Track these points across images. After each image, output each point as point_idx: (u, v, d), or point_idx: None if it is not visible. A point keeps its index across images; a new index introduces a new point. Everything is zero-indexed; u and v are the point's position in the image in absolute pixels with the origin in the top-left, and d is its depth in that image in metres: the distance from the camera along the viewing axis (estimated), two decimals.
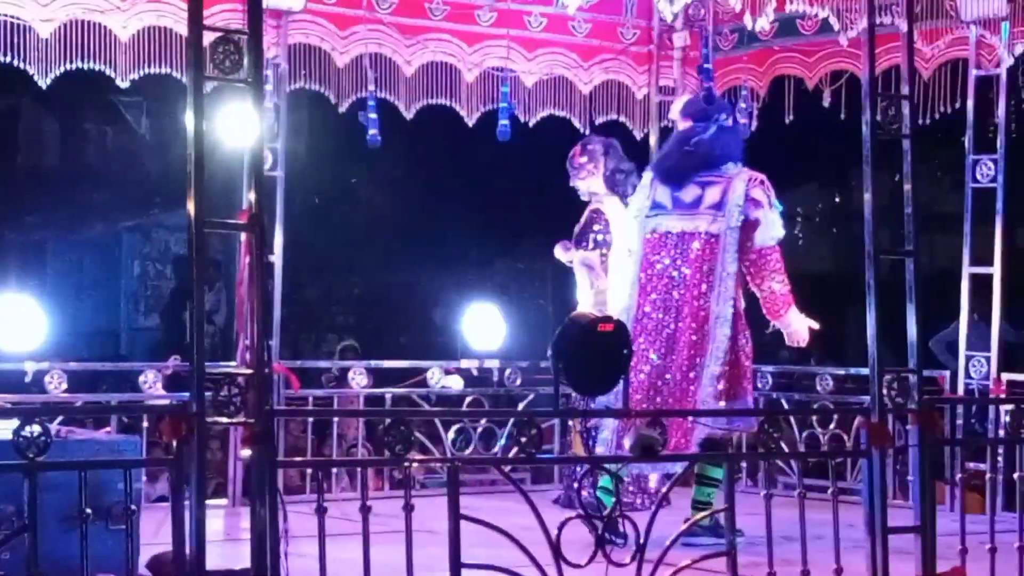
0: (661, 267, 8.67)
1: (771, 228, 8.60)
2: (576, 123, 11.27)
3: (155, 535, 7.00)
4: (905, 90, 6.81)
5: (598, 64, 11.28)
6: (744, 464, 10.50)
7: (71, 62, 9.40)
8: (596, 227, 9.70)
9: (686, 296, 8.57)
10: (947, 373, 10.36)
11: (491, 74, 10.83)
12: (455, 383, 11.13)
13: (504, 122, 10.45)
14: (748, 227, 8.58)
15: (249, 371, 5.52)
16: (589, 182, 9.72)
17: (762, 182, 8.68)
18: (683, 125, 8.98)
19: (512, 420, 9.74)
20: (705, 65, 10.70)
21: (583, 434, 9.36)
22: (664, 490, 6.41)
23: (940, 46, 10.02)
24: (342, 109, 10.40)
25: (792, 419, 10.56)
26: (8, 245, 19.79)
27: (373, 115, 10.17)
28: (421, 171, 17.00)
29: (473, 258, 19.07)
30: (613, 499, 6.75)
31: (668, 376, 8.53)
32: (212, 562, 5.38)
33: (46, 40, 9.27)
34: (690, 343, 8.53)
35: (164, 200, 19.29)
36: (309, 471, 9.61)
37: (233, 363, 9.10)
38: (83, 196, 19.90)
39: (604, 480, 7.88)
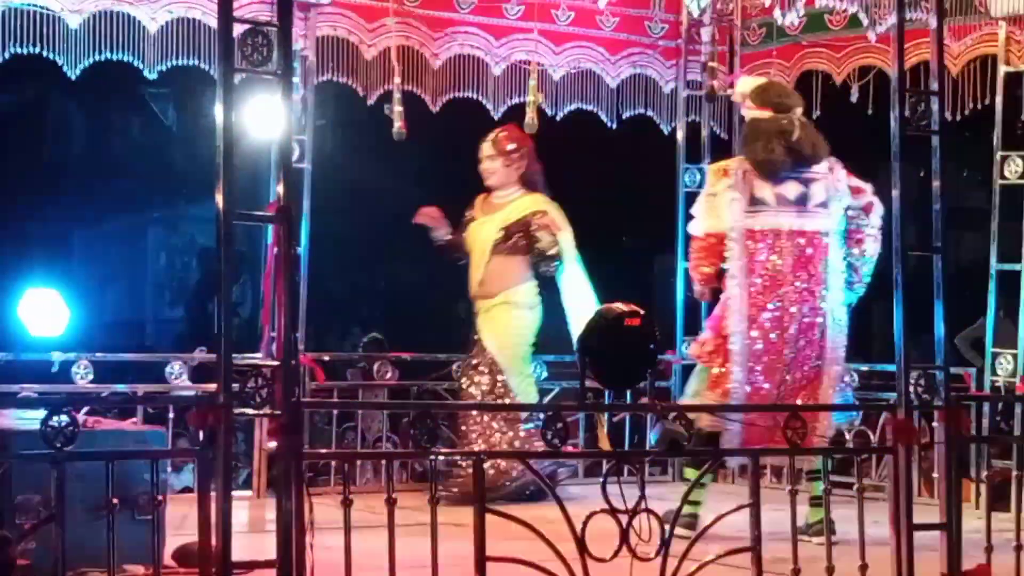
0: (772, 266, 8.55)
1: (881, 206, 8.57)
2: (603, 117, 11.27)
3: (180, 526, 7.03)
4: (935, 86, 6.79)
5: (625, 58, 11.28)
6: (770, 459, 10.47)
7: (100, 53, 9.44)
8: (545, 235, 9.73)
9: (804, 295, 8.50)
10: (973, 370, 10.33)
11: (518, 67, 10.84)
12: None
13: (531, 114, 10.45)
14: (857, 217, 8.59)
15: (276, 363, 5.53)
16: (511, 171, 9.70)
17: (845, 166, 8.64)
18: (757, 112, 8.73)
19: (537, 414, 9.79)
20: (710, 63, 10.71)
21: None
22: (690, 486, 6.39)
23: (968, 42, 10.00)
24: (370, 102, 10.42)
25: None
26: (35, 236, 19.85)
27: (399, 107, 10.18)
28: (447, 164, 16.95)
29: None
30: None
31: (788, 376, 8.49)
32: (238, 553, 5.39)
33: (75, 31, 9.31)
34: (812, 343, 8.49)
35: (190, 192, 19.33)
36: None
37: (259, 355, 9.12)
38: (109, 187, 19.94)
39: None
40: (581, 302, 9.82)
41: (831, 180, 8.60)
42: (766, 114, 8.67)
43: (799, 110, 8.76)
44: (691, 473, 8.28)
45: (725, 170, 8.69)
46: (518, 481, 9.41)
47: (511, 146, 9.81)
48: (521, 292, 9.94)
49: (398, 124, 10.13)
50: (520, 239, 9.95)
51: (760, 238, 8.52)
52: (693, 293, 9.25)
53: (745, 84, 9.00)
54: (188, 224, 21.38)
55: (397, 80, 10.26)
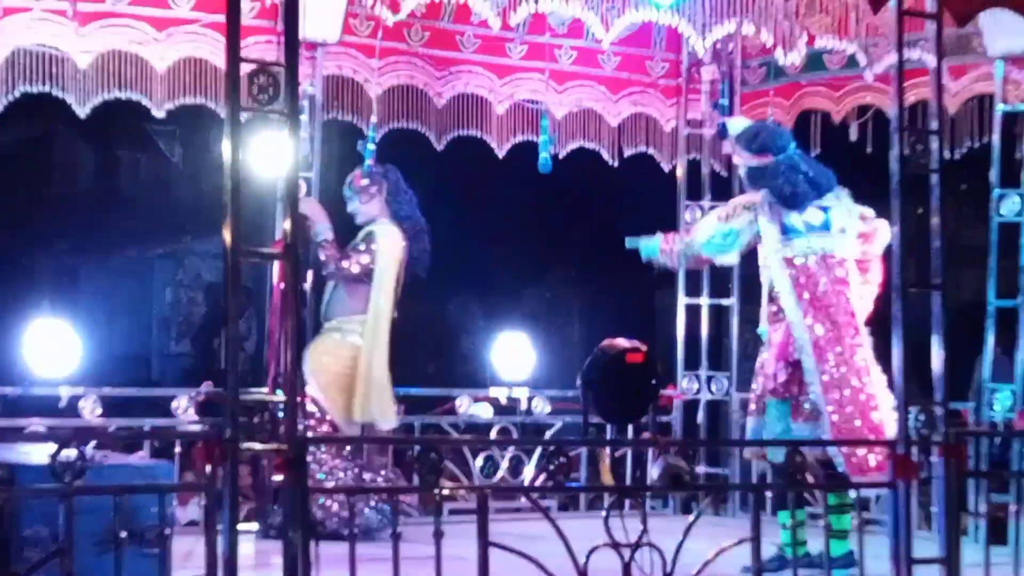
0: (814, 288, 8.60)
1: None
2: (605, 155, 11.36)
3: (186, 559, 7.07)
4: (934, 125, 6.86)
5: (627, 97, 11.38)
6: (769, 494, 10.52)
7: (108, 92, 9.53)
8: (362, 248, 9.58)
9: (845, 316, 8.56)
10: (971, 406, 10.38)
11: (522, 106, 10.92)
12: (484, 411, 11.19)
13: (544, 155, 10.50)
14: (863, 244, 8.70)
15: (282, 398, 5.59)
16: (370, 206, 9.65)
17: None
18: (757, 161, 8.77)
19: (540, 448, 9.83)
20: (721, 100, 10.80)
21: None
22: (691, 520, 6.43)
23: (966, 81, 10.09)
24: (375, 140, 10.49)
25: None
26: (42, 270, 19.92)
27: (371, 146, 10.20)
28: (451, 201, 17.06)
29: (502, 287, 19.13)
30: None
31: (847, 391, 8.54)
32: None
33: (84, 70, 9.39)
34: (858, 365, 8.55)
35: (196, 228, 19.41)
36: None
37: (264, 389, 9.18)
38: (116, 223, 20.02)
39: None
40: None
41: (843, 207, 8.69)
42: (766, 160, 8.72)
43: (792, 145, 8.85)
44: (784, 517, 8.26)
45: (747, 204, 8.77)
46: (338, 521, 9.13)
47: (364, 182, 9.72)
48: (355, 322, 9.73)
49: (369, 161, 10.12)
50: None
51: (798, 264, 8.61)
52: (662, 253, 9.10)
53: (735, 126, 9.08)
54: (194, 260, 21.44)
55: (374, 119, 10.30)
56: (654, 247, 9.00)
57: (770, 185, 8.59)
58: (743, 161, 8.84)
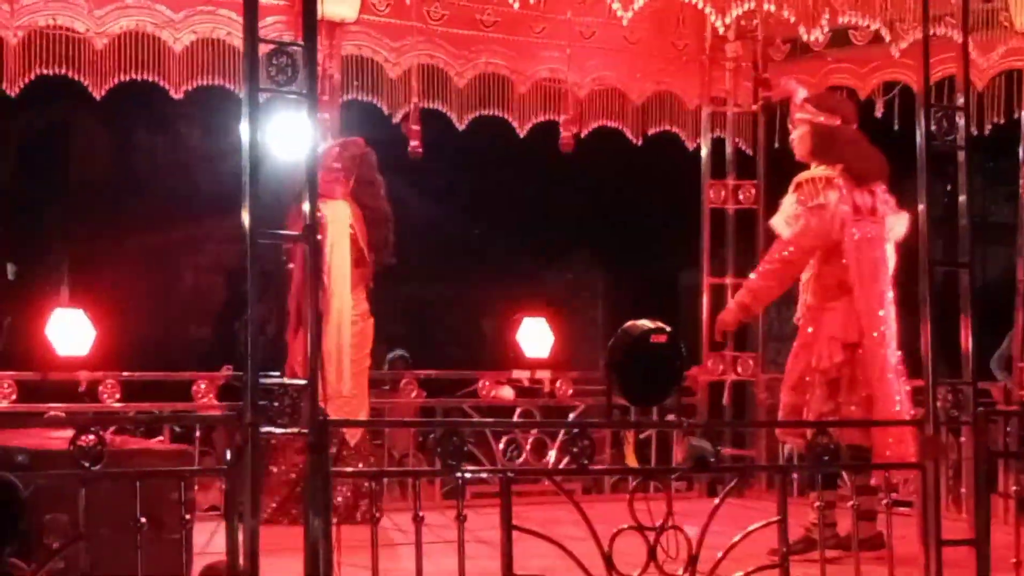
0: (872, 272, 8.55)
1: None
2: (628, 134, 11.27)
3: (207, 544, 7.04)
4: (960, 101, 6.78)
5: (650, 75, 11.28)
6: (795, 475, 10.46)
7: (125, 74, 9.47)
8: None
9: (891, 300, 8.53)
10: (1002, 385, 10.29)
11: (543, 85, 10.84)
12: (506, 394, 11.14)
13: (567, 134, 10.41)
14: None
15: (303, 381, 5.54)
16: (332, 186, 9.46)
17: None
18: (825, 119, 8.67)
19: (563, 431, 9.76)
20: (763, 75, 10.71)
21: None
22: (717, 502, 6.37)
23: (994, 57, 9.97)
24: (395, 120, 10.43)
25: None
26: (61, 256, 19.91)
27: (416, 127, 10.16)
28: (472, 182, 17.03)
29: (523, 269, 19.09)
30: None
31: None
32: (265, 572, 5.40)
33: (100, 52, 9.34)
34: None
35: (216, 211, 19.35)
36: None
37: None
38: (135, 207, 19.99)
39: None
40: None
41: (881, 191, 8.61)
42: (836, 122, 8.66)
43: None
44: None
45: (829, 179, 8.55)
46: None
47: (335, 164, 9.65)
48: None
49: (414, 143, 10.10)
50: None
51: (865, 246, 8.51)
52: (724, 324, 8.97)
53: (803, 90, 8.97)
54: (215, 243, 21.41)
55: (415, 100, 10.26)
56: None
57: (842, 155, 8.49)
58: (809, 117, 8.69)
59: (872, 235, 8.51)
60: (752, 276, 8.82)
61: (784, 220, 8.61)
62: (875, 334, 8.37)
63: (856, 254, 8.47)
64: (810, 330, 8.56)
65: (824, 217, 8.46)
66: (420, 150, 10.13)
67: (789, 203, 8.63)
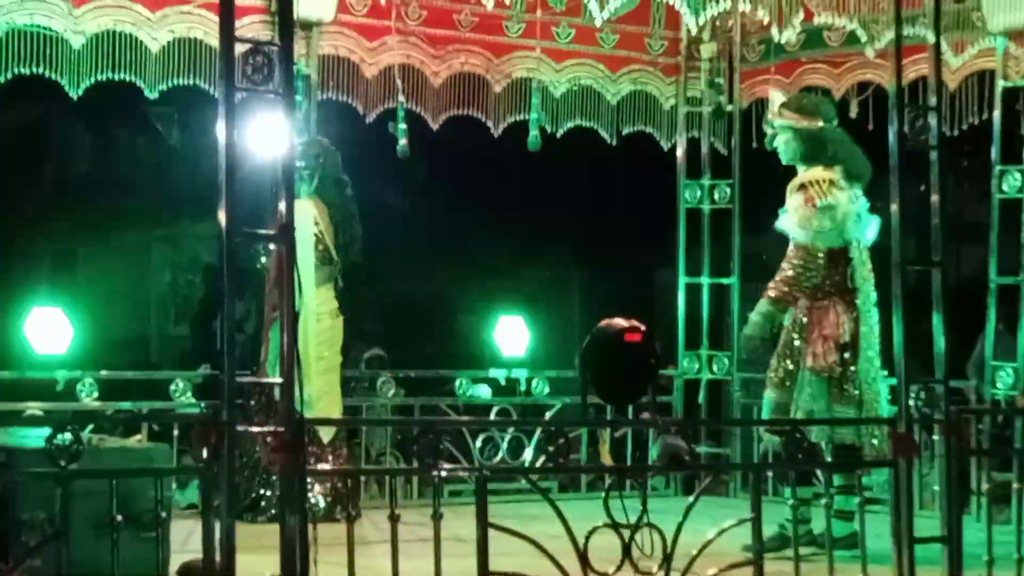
0: (866, 274, 8.60)
1: None
2: (603, 134, 11.30)
3: (185, 542, 7.04)
4: (933, 101, 6.82)
5: (625, 75, 11.32)
6: (770, 473, 10.50)
7: (102, 73, 9.46)
8: None
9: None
10: (973, 383, 10.35)
11: (518, 85, 10.86)
12: (483, 392, 11.17)
13: (534, 132, 10.45)
14: None
15: (279, 380, 5.56)
16: (305, 186, 9.52)
17: None
18: (808, 123, 8.72)
19: (540, 430, 9.80)
20: (716, 79, 10.75)
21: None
22: (692, 499, 6.40)
23: (967, 57, 10.03)
24: (370, 119, 10.46)
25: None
26: (39, 254, 19.90)
27: (403, 125, 10.21)
28: (448, 181, 17.05)
29: (500, 267, 19.10)
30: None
31: None
32: (242, 570, 5.42)
33: (78, 51, 9.34)
34: None
35: (194, 210, 19.37)
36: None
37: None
38: (113, 206, 19.99)
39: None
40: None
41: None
42: (818, 124, 8.70)
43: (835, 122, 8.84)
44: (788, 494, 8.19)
45: (834, 180, 8.57)
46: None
47: (299, 163, 9.66)
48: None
49: (403, 141, 10.15)
50: None
51: (865, 246, 8.60)
52: (752, 341, 8.86)
53: (778, 96, 9.01)
54: (192, 242, 21.42)
55: (401, 99, 10.29)
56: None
57: (838, 156, 8.53)
58: (790, 121, 8.70)
59: (869, 235, 8.61)
60: (774, 283, 8.67)
61: (796, 223, 8.57)
62: (872, 336, 8.44)
63: (859, 255, 8.54)
64: (800, 328, 8.58)
65: (836, 218, 8.49)
66: (408, 148, 10.16)
67: (796, 205, 8.60)
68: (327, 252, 9.59)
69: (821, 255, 8.51)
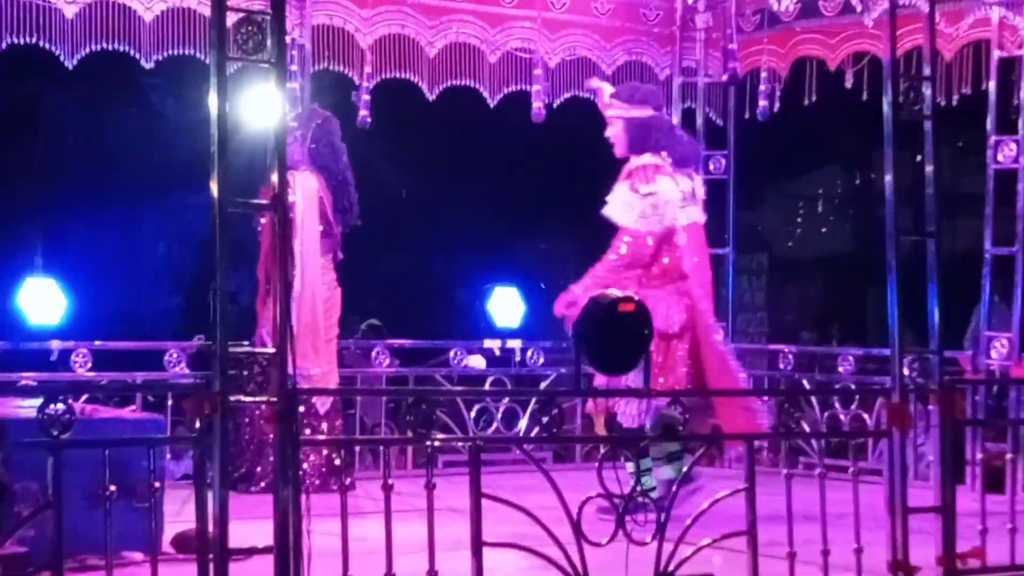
0: (698, 259, 8.69)
1: None
2: (599, 104, 11.26)
3: (179, 513, 7.05)
4: (927, 71, 6.81)
5: (620, 45, 11.30)
6: (765, 444, 10.52)
7: (96, 43, 9.44)
8: None
9: (709, 285, 8.67)
10: (968, 354, 10.35)
11: (514, 55, 10.84)
12: (477, 363, 11.17)
13: (538, 104, 10.42)
14: None
15: (272, 350, 5.55)
16: (291, 148, 9.42)
17: None
18: (639, 111, 8.88)
19: (534, 400, 9.80)
20: (730, 46, 10.73)
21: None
22: (686, 469, 6.42)
23: (962, 27, 10.01)
24: (366, 90, 10.44)
25: (813, 399, 10.55)
26: (33, 226, 19.87)
27: (366, 96, 10.16)
28: (444, 152, 17.02)
29: (495, 239, 19.09)
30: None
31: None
32: (235, 540, 5.42)
33: (71, 21, 9.31)
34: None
35: (189, 181, 19.31)
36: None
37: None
38: (107, 177, 19.95)
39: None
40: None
41: (696, 175, 8.96)
42: (648, 112, 8.85)
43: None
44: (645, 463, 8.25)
45: (658, 166, 8.73)
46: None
47: (292, 124, 9.64)
48: None
49: (363, 112, 10.11)
50: None
51: (694, 231, 8.82)
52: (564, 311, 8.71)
53: (608, 86, 9.22)
54: (186, 213, 21.37)
55: (368, 69, 10.24)
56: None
57: (661, 143, 8.73)
58: (621, 113, 8.86)
59: (699, 220, 8.86)
60: (598, 268, 8.74)
61: (620, 208, 8.72)
62: (710, 320, 8.54)
63: (689, 239, 8.72)
64: None
65: (658, 204, 8.63)
66: (368, 120, 10.15)
67: (622, 191, 8.76)
68: (329, 224, 9.59)
69: (650, 240, 8.59)
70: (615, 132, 8.90)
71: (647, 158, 8.73)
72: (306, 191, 9.48)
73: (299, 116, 9.59)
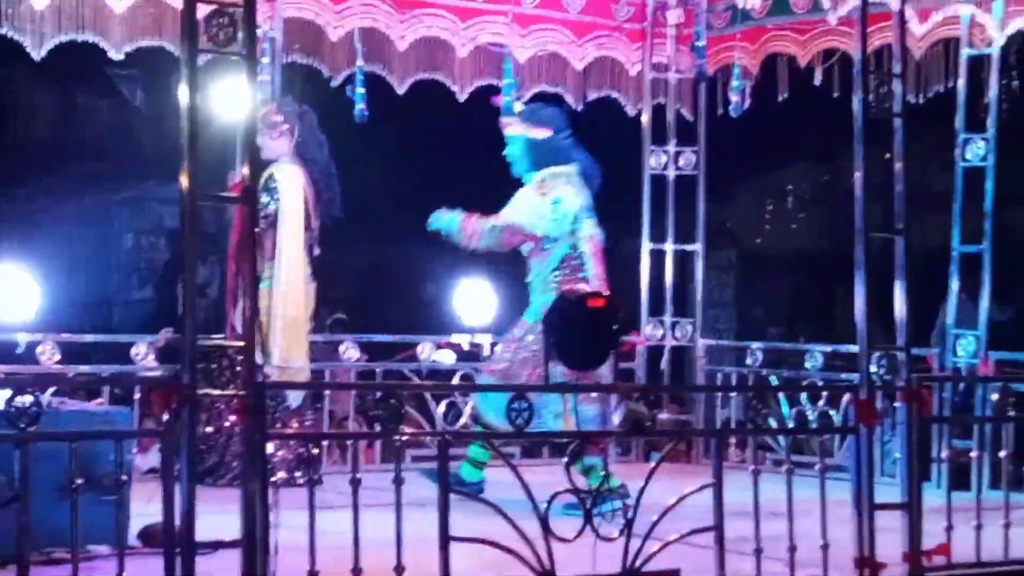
0: (598, 271, 8.82)
1: None
2: (569, 99, 11.28)
3: (146, 507, 7.03)
4: (897, 69, 6.84)
5: (592, 40, 11.29)
6: (732, 440, 10.56)
7: (65, 33, 9.39)
8: (265, 195, 9.47)
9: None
10: (935, 352, 10.39)
11: (484, 49, 10.83)
12: (446, 358, 11.15)
13: (507, 98, 10.42)
14: None
15: (240, 344, 5.54)
16: (278, 143, 9.50)
17: None
18: (539, 132, 9.09)
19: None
20: (698, 43, 10.75)
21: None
22: (653, 465, 6.42)
23: (932, 25, 10.03)
24: (335, 83, 10.43)
25: (781, 396, 10.58)
26: (1, 217, 19.79)
27: (361, 89, 10.17)
28: (412, 146, 17.01)
29: None
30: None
31: None
32: (202, 533, 5.41)
33: (40, 11, 9.26)
34: None
35: (158, 173, 19.27)
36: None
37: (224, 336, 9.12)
38: (77, 168, 19.88)
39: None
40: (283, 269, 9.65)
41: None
42: (547, 133, 9.05)
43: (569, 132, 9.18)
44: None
45: (567, 175, 8.96)
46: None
47: (277, 118, 9.64)
48: (265, 267, 9.65)
49: (361, 106, 10.12)
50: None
51: (598, 240, 8.93)
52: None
53: (518, 106, 9.49)
54: (156, 205, 21.32)
55: (360, 63, 10.24)
56: (452, 221, 9.25)
57: (569, 159, 8.96)
58: (521, 132, 9.09)
59: (597, 233, 8.94)
60: (482, 222, 9.14)
61: (525, 210, 8.97)
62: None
63: (592, 247, 8.83)
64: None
65: (557, 212, 8.88)
66: (367, 112, 10.16)
67: (524, 194, 9.01)
68: (309, 219, 9.57)
69: (523, 234, 8.96)
70: (513, 151, 9.14)
71: (555, 168, 8.96)
72: (291, 183, 9.46)
73: (282, 109, 9.56)
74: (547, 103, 9.57)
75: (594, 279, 8.68)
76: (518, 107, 9.39)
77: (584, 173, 9.03)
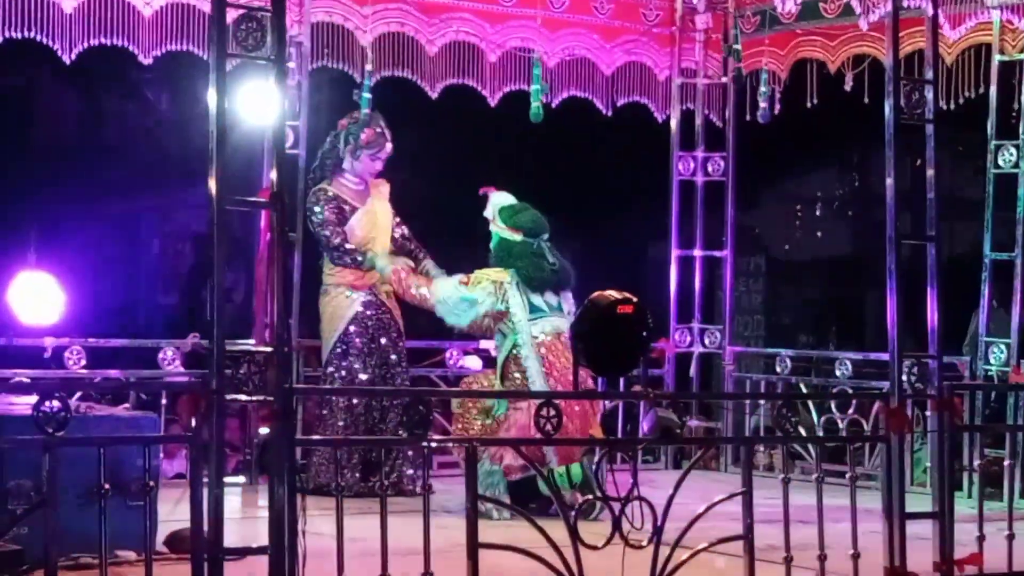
0: (560, 365, 8.90)
1: None
2: (598, 104, 11.25)
3: (172, 512, 7.02)
4: (929, 75, 6.79)
5: (620, 45, 11.27)
6: (762, 448, 10.51)
7: (94, 38, 9.40)
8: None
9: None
10: (967, 359, 10.33)
11: (513, 54, 10.81)
12: (474, 363, 11.13)
13: (536, 104, 10.40)
14: None
15: (269, 349, 5.52)
16: (377, 164, 9.98)
17: None
18: (509, 234, 9.34)
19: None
20: (735, 45, 10.71)
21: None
22: (683, 473, 6.38)
23: (963, 31, 9.98)
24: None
25: (811, 404, 10.52)
26: (27, 221, 19.80)
27: (367, 95, 10.14)
28: (442, 150, 16.97)
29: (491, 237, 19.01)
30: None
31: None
32: (229, 539, 5.39)
33: (70, 16, 9.27)
34: None
35: (185, 178, 19.28)
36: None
37: (252, 341, 9.10)
38: (103, 173, 19.89)
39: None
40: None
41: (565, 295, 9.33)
42: (518, 236, 9.29)
43: (546, 235, 9.40)
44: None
45: (497, 280, 9.16)
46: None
47: (386, 137, 9.86)
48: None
49: (366, 110, 10.12)
50: None
51: (545, 340, 9.02)
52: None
53: (499, 199, 9.58)
54: (182, 210, 21.33)
55: (368, 67, 10.21)
56: (385, 267, 9.65)
57: (516, 265, 9.19)
58: (496, 230, 9.42)
59: (555, 329, 9.07)
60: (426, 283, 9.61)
61: (453, 284, 9.36)
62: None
63: (530, 350, 9.01)
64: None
65: (469, 312, 9.22)
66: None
67: (452, 283, 9.37)
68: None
69: (426, 305, 9.49)
70: (493, 245, 9.44)
71: (494, 271, 9.24)
72: (385, 200, 10.01)
73: (371, 131, 9.73)
74: (527, 207, 9.64)
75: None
76: (502, 199, 9.63)
77: (539, 281, 9.22)
